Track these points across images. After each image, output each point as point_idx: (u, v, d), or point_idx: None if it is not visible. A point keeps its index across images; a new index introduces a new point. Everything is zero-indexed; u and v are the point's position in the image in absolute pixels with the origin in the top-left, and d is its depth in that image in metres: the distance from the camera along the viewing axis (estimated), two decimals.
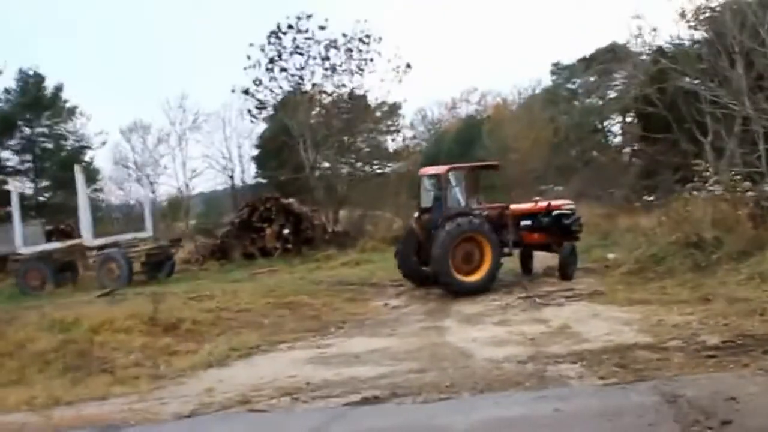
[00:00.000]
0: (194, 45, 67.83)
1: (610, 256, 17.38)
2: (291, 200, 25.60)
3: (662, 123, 22.95)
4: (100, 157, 43.23)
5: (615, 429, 5.74)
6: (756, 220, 14.44)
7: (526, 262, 16.85)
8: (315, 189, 28.51)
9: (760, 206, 15.10)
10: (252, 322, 13.11)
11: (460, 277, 14.50)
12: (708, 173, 16.94)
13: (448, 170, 15.59)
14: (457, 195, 15.47)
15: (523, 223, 15.70)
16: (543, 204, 16.27)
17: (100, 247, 21.44)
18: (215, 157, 47.95)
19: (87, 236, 21.74)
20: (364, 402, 7.44)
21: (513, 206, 16.04)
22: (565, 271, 15.42)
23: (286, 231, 24.45)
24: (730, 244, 13.66)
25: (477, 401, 7.07)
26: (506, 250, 15.24)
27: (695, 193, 16.68)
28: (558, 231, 15.82)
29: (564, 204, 16.57)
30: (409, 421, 6.67)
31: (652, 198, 20.80)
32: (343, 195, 29.20)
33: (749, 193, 15.41)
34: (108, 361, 10.61)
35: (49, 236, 24.50)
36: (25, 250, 21.55)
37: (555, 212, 15.87)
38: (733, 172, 16.32)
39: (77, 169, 22.32)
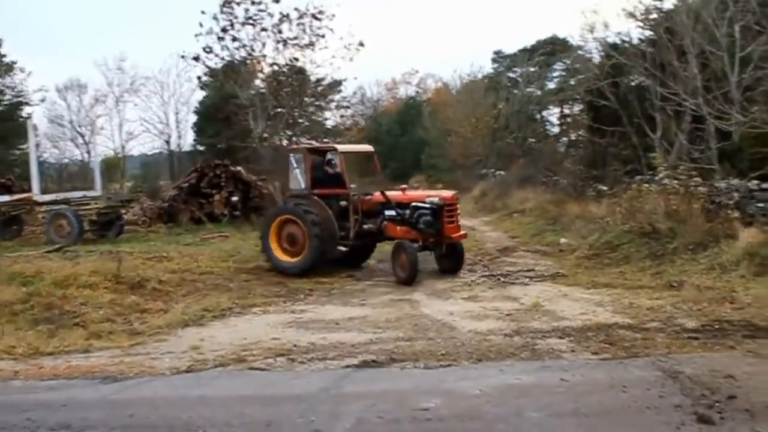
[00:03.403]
0: (135, 5, 66.11)
1: (563, 240, 17.84)
2: (239, 168, 25.33)
3: (613, 116, 23.54)
4: (36, 115, 41.77)
5: (629, 399, 5.97)
6: (708, 214, 15.01)
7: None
8: (263, 158, 28.23)
9: (712, 202, 15.73)
10: (218, 285, 13.05)
11: (279, 256, 14.74)
12: (661, 167, 17.51)
13: (289, 151, 16.60)
14: (298, 176, 15.25)
15: (388, 213, 14.44)
16: (412, 194, 14.92)
17: (50, 203, 20.88)
18: (152, 121, 47.27)
19: (37, 191, 21.13)
20: (365, 365, 7.53)
21: (377, 194, 14.61)
22: (394, 271, 13.81)
23: (234, 198, 24.21)
24: (685, 236, 14.13)
25: (481, 369, 7.23)
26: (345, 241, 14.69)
27: (646, 185, 17.24)
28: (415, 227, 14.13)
29: (432, 195, 14.51)
30: (419, 384, 6.76)
31: (604, 188, 21.39)
32: None
33: (700, 189, 16.01)
34: (78, 315, 10.46)
35: None
36: None
37: (412, 204, 14.17)
38: (685, 167, 16.87)
39: (29, 124, 21.65)
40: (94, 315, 10.46)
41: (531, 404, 5.97)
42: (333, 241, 14.59)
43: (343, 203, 14.75)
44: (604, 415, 5.68)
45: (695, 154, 19.03)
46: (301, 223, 14.46)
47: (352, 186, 14.81)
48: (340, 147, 15.51)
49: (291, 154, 15.87)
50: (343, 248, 14.83)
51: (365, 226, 14.75)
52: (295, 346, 8.63)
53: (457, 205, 14.64)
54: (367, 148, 17.23)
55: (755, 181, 16.17)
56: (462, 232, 14.53)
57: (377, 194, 14.59)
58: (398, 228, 14.30)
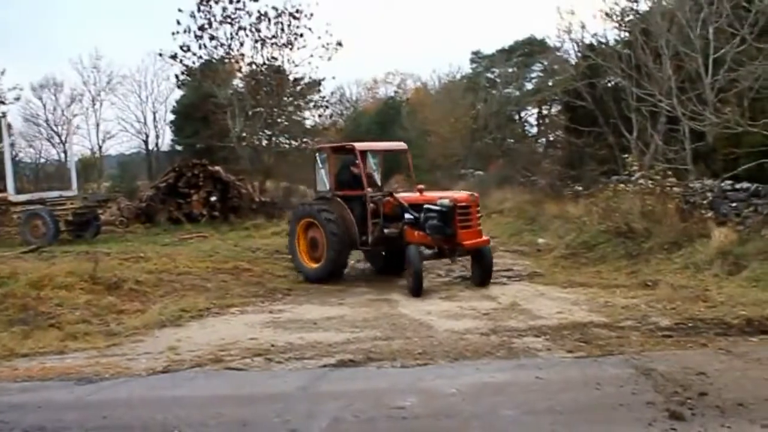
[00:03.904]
0: (111, 3, 65.67)
1: (540, 240, 17.99)
2: (218, 168, 25.25)
3: (589, 116, 23.70)
4: (10, 113, 41.32)
5: (603, 396, 6.04)
6: (684, 214, 15.18)
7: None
8: (242, 158, 28.19)
9: (687, 202, 15.90)
10: (196, 285, 13.00)
11: (303, 260, 14.14)
12: (635, 167, 17.68)
13: (315, 150, 15.93)
14: (323, 177, 14.61)
15: (407, 216, 13.18)
16: (429, 195, 13.45)
17: (25, 203, 20.69)
18: (130, 120, 46.98)
19: (12, 191, 20.95)
20: (342, 365, 7.55)
21: (398, 195, 13.70)
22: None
23: (213, 198, 24.15)
24: (660, 235, 14.30)
25: (457, 367, 7.28)
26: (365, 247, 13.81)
27: (622, 185, 17.41)
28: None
29: (444, 197, 13.10)
30: (396, 383, 6.80)
31: (581, 188, 21.56)
32: (270, 166, 28.99)
33: (675, 189, 16.19)
34: (54, 316, 10.39)
35: None
36: None
37: (425, 206, 12.94)
38: (660, 168, 17.04)
39: (3, 123, 21.42)
40: (70, 316, 10.38)
41: (506, 402, 6.02)
42: (350, 247, 13.73)
43: (370, 206, 13.48)
44: (577, 412, 5.74)
45: (670, 155, 19.18)
46: (320, 227, 13.72)
47: (369, 188, 13.65)
48: (360, 144, 14.20)
49: (316, 154, 15.15)
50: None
51: (386, 231, 13.44)
52: (272, 345, 8.65)
53: (476, 208, 13.08)
54: (399, 145, 16.31)
55: (728, 182, 16.34)
56: (483, 238, 12.98)
57: (398, 196, 13.54)
58: (415, 233, 12.91)
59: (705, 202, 15.62)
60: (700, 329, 8.58)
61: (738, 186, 16.06)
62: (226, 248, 17.48)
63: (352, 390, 6.55)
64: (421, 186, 13.75)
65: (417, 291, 12.16)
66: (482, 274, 12.99)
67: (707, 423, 5.38)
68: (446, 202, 12.68)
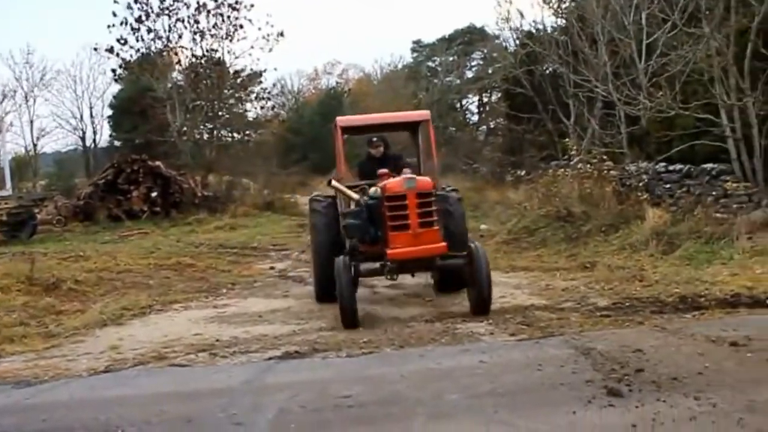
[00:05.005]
0: None
1: (483, 226, 18.22)
2: (158, 163, 24.91)
3: (529, 103, 24.10)
4: None
5: (544, 377, 6.15)
6: (620, 196, 15.55)
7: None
8: (182, 153, 27.87)
9: (623, 184, 16.29)
10: (137, 282, 12.87)
11: None
12: (574, 152, 18.02)
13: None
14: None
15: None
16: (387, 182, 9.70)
17: None
18: (65, 116, 45.99)
19: None
20: (288, 357, 7.54)
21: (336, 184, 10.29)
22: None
23: (154, 194, 23.83)
24: (598, 218, 14.66)
25: (402, 355, 7.33)
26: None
27: (561, 170, 17.74)
28: None
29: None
30: (341, 372, 6.82)
31: (524, 173, 21.88)
32: (212, 160, 28.73)
33: (612, 172, 16.56)
34: None
35: None
36: None
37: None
38: (597, 152, 17.42)
39: None
40: (6, 319, 10.11)
41: (450, 387, 6.08)
42: (333, 254, 9.67)
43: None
44: (519, 393, 5.83)
45: (607, 139, 19.63)
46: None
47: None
48: (351, 119, 12.15)
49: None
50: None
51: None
52: (217, 340, 8.60)
53: (424, 200, 9.11)
54: (415, 115, 13.42)
55: (662, 164, 16.81)
56: (434, 245, 9.03)
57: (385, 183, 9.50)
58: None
59: (640, 184, 16.07)
60: (636, 308, 8.82)
61: (671, 168, 16.55)
62: (169, 244, 17.34)
63: (297, 381, 6.53)
64: (384, 170, 10.14)
65: (345, 321, 8.83)
66: (477, 297, 9.17)
67: (644, 398, 5.50)
68: (372, 192, 9.59)
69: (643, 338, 7.19)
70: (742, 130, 15.79)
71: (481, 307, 9.06)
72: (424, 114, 12.26)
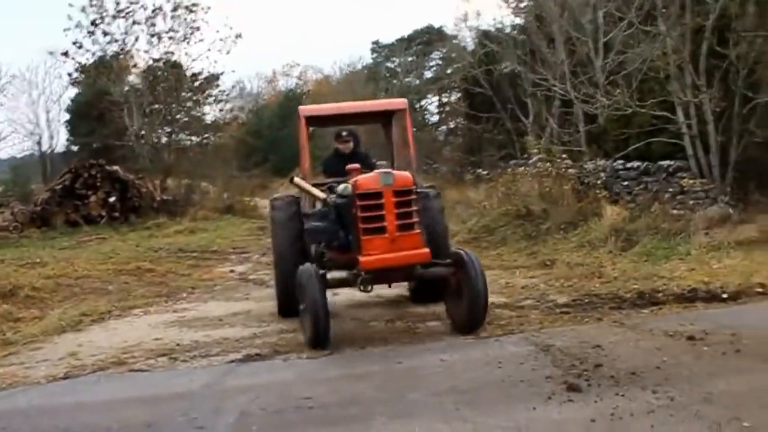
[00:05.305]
0: None
1: None
2: (116, 167, 24.60)
3: (488, 102, 24.30)
4: None
5: (504, 374, 6.22)
6: (579, 194, 15.75)
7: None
8: (140, 157, 27.57)
9: (582, 182, 16.49)
10: (96, 288, 12.69)
11: None
12: (534, 151, 18.21)
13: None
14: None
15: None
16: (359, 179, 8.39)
17: None
18: (21, 121, 45.21)
19: None
20: (249, 359, 7.52)
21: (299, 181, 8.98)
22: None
23: (112, 199, 23.51)
24: (557, 216, 14.84)
25: (363, 355, 7.36)
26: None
27: (521, 169, 17.92)
28: None
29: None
30: (302, 374, 6.83)
31: (484, 172, 22.03)
32: (170, 164, 28.46)
33: (571, 170, 16.76)
34: None
35: None
36: None
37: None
38: (556, 150, 17.62)
39: None
40: None
41: (411, 386, 6.12)
42: (297, 263, 8.40)
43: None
44: (480, 391, 5.88)
45: (565, 137, 19.85)
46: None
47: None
48: (307, 108, 10.41)
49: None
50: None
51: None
52: (177, 345, 8.50)
53: (401, 199, 7.89)
54: (392, 103, 11.40)
55: (620, 161, 17.04)
56: (415, 251, 7.86)
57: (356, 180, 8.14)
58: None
59: (599, 182, 16.27)
60: (595, 304, 8.94)
61: (629, 165, 16.79)
62: (128, 249, 17.11)
63: (259, 384, 6.53)
64: (354, 165, 8.75)
65: (316, 341, 7.56)
66: (468, 311, 7.92)
67: (603, 392, 5.60)
68: (340, 189, 8.28)
69: (602, 334, 7.32)
70: (698, 126, 16.10)
71: (473, 324, 7.88)
72: (400, 102, 10.72)
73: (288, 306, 9.02)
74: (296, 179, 8.90)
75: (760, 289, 9.16)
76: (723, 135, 15.82)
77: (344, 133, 10.04)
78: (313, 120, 10.44)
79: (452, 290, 8.15)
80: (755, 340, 6.86)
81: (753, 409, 5.05)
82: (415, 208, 8.03)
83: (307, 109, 10.13)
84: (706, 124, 15.86)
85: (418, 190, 8.43)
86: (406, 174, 8.24)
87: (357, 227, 7.80)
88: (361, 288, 8.05)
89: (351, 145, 9.99)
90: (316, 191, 8.65)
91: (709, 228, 13.17)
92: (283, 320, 9.44)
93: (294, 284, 8.12)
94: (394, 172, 8.16)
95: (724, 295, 9.02)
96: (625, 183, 16.64)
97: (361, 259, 7.73)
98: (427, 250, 7.96)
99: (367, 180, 7.94)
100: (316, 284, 7.57)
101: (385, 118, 10.70)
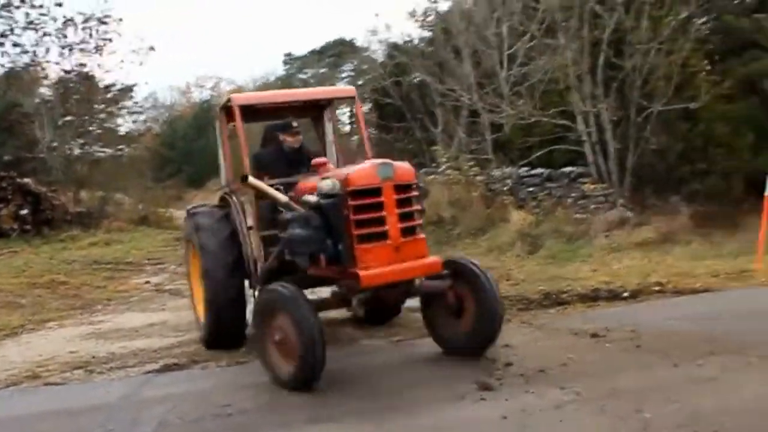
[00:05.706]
0: None
1: None
2: (28, 180, 23.87)
3: (398, 113, 24.70)
4: None
5: (419, 376, 6.49)
6: (487, 201, 16.27)
7: None
8: (53, 169, 26.86)
9: (489, 189, 17.03)
10: (9, 302, 12.31)
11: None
12: (443, 159, 18.68)
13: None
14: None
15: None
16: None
17: None
18: None
19: None
20: (166, 369, 7.52)
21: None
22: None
23: (24, 211, 22.73)
24: (466, 222, 15.30)
25: None
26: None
27: (431, 177, 18.34)
28: None
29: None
30: (221, 382, 6.89)
31: None
32: (84, 176, 27.83)
33: (479, 178, 17.29)
34: None
35: None
36: None
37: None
38: (465, 159, 18.12)
39: None
40: None
41: (328, 390, 6.19)
42: (232, 282, 7.74)
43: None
44: (396, 393, 6.03)
45: (473, 146, 20.43)
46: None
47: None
48: (241, 96, 8.41)
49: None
50: None
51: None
52: (93, 357, 8.38)
53: (403, 195, 6.55)
54: (338, 91, 10.82)
55: (524, 168, 17.66)
56: (423, 261, 6.68)
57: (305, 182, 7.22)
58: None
59: (505, 188, 16.82)
60: (505, 306, 9.28)
61: (533, 172, 17.41)
62: (41, 262, 16.70)
63: (177, 393, 6.52)
64: (322, 159, 7.55)
65: (308, 372, 6.15)
66: (478, 330, 6.82)
67: (513, 390, 5.84)
68: (330, 184, 6.45)
69: (511, 334, 7.60)
70: (597, 134, 16.85)
71: (485, 343, 6.81)
72: (349, 90, 9.73)
73: (220, 335, 7.92)
74: (251, 179, 7.18)
75: (657, 288, 9.74)
76: (620, 142, 16.62)
77: (295, 125, 8.23)
78: (248, 112, 8.26)
79: (449, 307, 6.90)
80: (654, 336, 7.28)
81: (654, 402, 5.34)
82: (418, 207, 6.75)
83: (242, 98, 8.23)
84: (605, 132, 16.63)
85: (421, 185, 7.13)
86: (406, 165, 6.85)
87: (350, 233, 6.29)
88: (359, 312, 6.95)
89: (300, 137, 8.27)
90: (277, 193, 7.05)
91: (609, 230, 13.80)
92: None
93: (230, 309, 7.48)
94: (394, 162, 6.67)
95: (625, 294, 9.54)
96: (530, 189, 17.22)
97: (361, 273, 6.20)
98: (436, 258, 6.77)
99: (361, 174, 6.42)
100: (302, 309, 6.11)
101: (317, 110, 9.15)
